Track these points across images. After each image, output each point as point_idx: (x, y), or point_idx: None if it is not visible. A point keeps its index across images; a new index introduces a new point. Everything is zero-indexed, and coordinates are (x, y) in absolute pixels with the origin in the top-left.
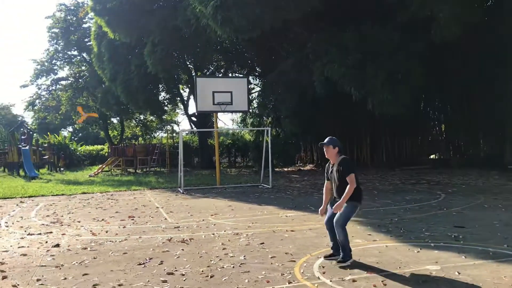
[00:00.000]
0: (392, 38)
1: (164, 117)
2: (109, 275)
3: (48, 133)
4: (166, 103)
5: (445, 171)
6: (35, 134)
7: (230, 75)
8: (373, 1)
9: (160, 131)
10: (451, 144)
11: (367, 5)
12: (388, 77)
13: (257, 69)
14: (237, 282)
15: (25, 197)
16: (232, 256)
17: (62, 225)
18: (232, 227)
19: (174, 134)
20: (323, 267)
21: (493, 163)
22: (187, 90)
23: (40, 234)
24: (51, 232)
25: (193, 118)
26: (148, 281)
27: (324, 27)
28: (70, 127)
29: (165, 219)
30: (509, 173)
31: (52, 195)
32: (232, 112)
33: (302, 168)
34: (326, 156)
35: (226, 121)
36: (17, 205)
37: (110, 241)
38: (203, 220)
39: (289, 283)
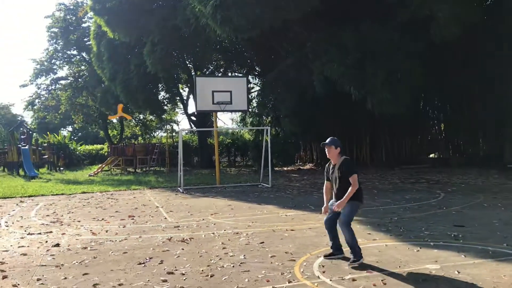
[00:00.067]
0: (392, 37)
1: (163, 116)
2: (109, 274)
3: (48, 132)
4: (165, 103)
5: (444, 170)
6: (34, 134)
7: (229, 74)
8: (373, 1)
9: (159, 131)
10: (450, 143)
11: (367, 4)
12: (388, 76)
13: (257, 69)
14: (237, 282)
15: (25, 196)
16: (232, 256)
17: (62, 224)
18: (232, 226)
19: (174, 134)
20: (323, 266)
21: (493, 162)
22: (187, 89)
23: (40, 233)
24: (51, 232)
25: (193, 118)
26: (148, 280)
27: (323, 27)
28: (70, 126)
29: (165, 218)
30: (509, 172)
31: (52, 195)
32: (231, 111)
33: (301, 167)
34: (327, 156)
35: (225, 121)
36: (17, 204)
37: (110, 240)
38: (203, 219)
39: (289, 282)
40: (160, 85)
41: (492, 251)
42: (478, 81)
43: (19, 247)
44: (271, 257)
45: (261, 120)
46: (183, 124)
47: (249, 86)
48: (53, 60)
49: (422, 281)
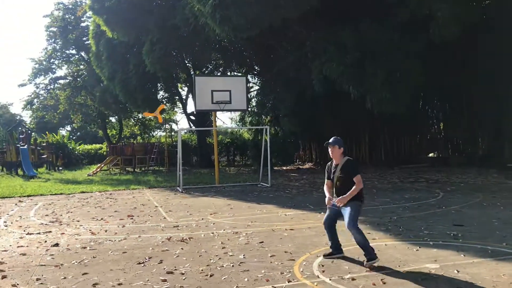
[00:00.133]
0: (391, 37)
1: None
2: (109, 274)
3: (47, 132)
4: (164, 102)
5: (443, 169)
6: (33, 133)
7: (228, 73)
8: (372, 0)
9: (158, 130)
10: (449, 143)
11: (366, 4)
12: (387, 76)
13: (256, 68)
14: (237, 281)
15: (24, 196)
16: (231, 255)
17: (61, 224)
18: (231, 226)
19: (173, 133)
20: (323, 265)
21: (492, 161)
22: (186, 89)
23: (39, 233)
24: (50, 232)
25: (192, 117)
26: (148, 280)
27: (323, 26)
28: (69, 126)
29: (164, 218)
30: (508, 171)
31: (50, 194)
32: (230, 111)
33: (301, 167)
34: (330, 156)
35: (225, 120)
36: (15, 204)
37: (110, 240)
38: (202, 219)
39: (288, 282)
40: (159, 85)
41: (491, 250)
42: (478, 80)
43: (18, 247)
44: (270, 256)
45: (260, 119)
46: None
47: (248, 85)
48: (52, 60)
49: (422, 280)
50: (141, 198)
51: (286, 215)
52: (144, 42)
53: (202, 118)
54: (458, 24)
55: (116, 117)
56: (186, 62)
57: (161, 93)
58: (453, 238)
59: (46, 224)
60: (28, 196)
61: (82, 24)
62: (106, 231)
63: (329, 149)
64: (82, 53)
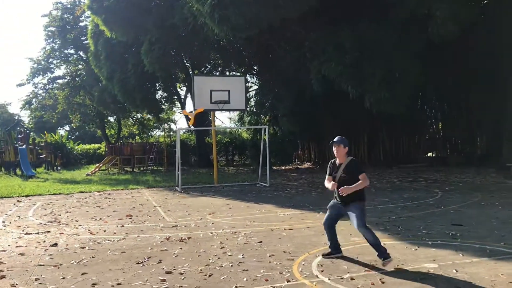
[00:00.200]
0: (390, 37)
1: (161, 115)
2: (108, 274)
3: (45, 132)
4: (163, 102)
5: (442, 169)
6: (31, 133)
7: (227, 73)
8: (371, 0)
9: (157, 130)
10: (448, 142)
11: (365, 4)
12: (386, 75)
13: (255, 68)
14: (236, 281)
15: (22, 196)
16: (230, 255)
17: (60, 224)
18: (230, 225)
19: (172, 133)
20: (322, 265)
21: (490, 161)
22: (184, 88)
23: (38, 233)
24: (49, 232)
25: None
26: (147, 280)
27: (322, 26)
28: (67, 126)
29: (163, 218)
30: (506, 170)
31: (49, 194)
32: (229, 110)
33: (299, 166)
34: (335, 155)
35: (223, 120)
36: (14, 204)
37: (108, 240)
38: (201, 218)
39: (287, 282)
40: (157, 84)
41: (490, 250)
42: (476, 80)
43: (17, 246)
44: (269, 256)
45: (259, 119)
46: (180, 123)
47: (247, 85)
48: (50, 59)
49: (420, 279)
50: (140, 198)
51: (285, 214)
52: (143, 42)
53: (201, 118)
54: (457, 23)
55: (114, 116)
56: (185, 61)
57: (160, 92)
58: (451, 238)
59: (44, 224)
60: (27, 196)
61: (81, 24)
62: (105, 231)
63: (334, 148)
64: (81, 53)
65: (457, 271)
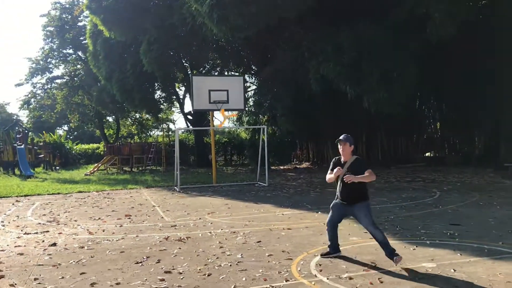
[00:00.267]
0: (388, 37)
1: (160, 115)
2: (107, 274)
3: (44, 131)
4: (162, 102)
5: (440, 169)
6: (30, 133)
7: (226, 73)
8: (369, 0)
9: (156, 130)
10: (446, 142)
11: (363, 4)
12: (384, 75)
13: (253, 67)
14: (235, 280)
15: (21, 196)
16: (229, 255)
17: (59, 224)
18: (228, 225)
19: (170, 133)
20: (320, 265)
21: (488, 160)
22: (183, 88)
23: (36, 233)
24: (47, 231)
25: (189, 117)
26: (146, 279)
27: (320, 26)
28: (66, 125)
29: (162, 217)
30: (504, 170)
31: (48, 194)
32: (228, 110)
33: (298, 166)
34: (340, 153)
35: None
36: (13, 204)
37: (107, 240)
38: (199, 218)
39: (286, 281)
40: (156, 84)
41: (487, 249)
42: (474, 80)
43: (15, 246)
44: (268, 256)
45: (258, 119)
46: (179, 123)
47: (245, 85)
48: (49, 59)
49: (419, 279)
50: (139, 198)
51: (283, 214)
52: (142, 42)
53: (200, 118)
54: (455, 24)
55: (113, 116)
56: (184, 61)
57: (159, 92)
58: (449, 237)
59: (43, 224)
60: (25, 195)
61: (79, 24)
62: (103, 231)
63: (340, 146)
64: (79, 53)
65: (455, 270)
